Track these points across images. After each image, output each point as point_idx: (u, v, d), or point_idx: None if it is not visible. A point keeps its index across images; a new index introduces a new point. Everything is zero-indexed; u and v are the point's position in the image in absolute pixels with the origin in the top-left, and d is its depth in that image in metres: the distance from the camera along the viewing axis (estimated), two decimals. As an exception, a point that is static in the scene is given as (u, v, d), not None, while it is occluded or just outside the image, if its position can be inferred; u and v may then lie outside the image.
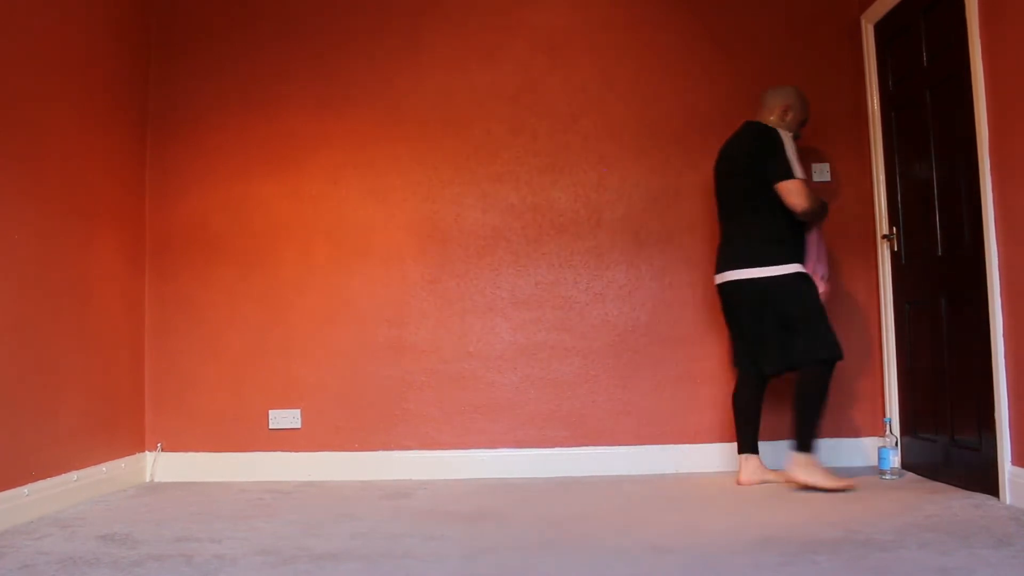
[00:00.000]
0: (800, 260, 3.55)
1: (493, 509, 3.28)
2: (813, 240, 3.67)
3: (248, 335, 4.16)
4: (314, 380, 4.12)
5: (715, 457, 4.04)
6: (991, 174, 3.18)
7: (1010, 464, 3.11)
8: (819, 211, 3.55)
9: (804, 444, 3.45)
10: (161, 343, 4.18)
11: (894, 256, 3.99)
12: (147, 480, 4.09)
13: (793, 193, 3.46)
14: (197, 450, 4.12)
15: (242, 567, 2.45)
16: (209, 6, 4.31)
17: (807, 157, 4.16)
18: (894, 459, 3.73)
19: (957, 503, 3.15)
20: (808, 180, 3.61)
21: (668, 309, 4.15)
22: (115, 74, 3.97)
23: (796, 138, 3.70)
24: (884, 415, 4.04)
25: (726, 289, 3.65)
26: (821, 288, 3.63)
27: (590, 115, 4.22)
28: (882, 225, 4.06)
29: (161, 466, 4.11)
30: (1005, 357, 3.14)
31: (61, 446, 3.43)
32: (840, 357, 3.50)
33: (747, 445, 3.67)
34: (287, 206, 4.20)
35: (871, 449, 3.99)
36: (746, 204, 3.60)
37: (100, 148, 3.81)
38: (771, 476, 3.66)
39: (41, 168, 3.35)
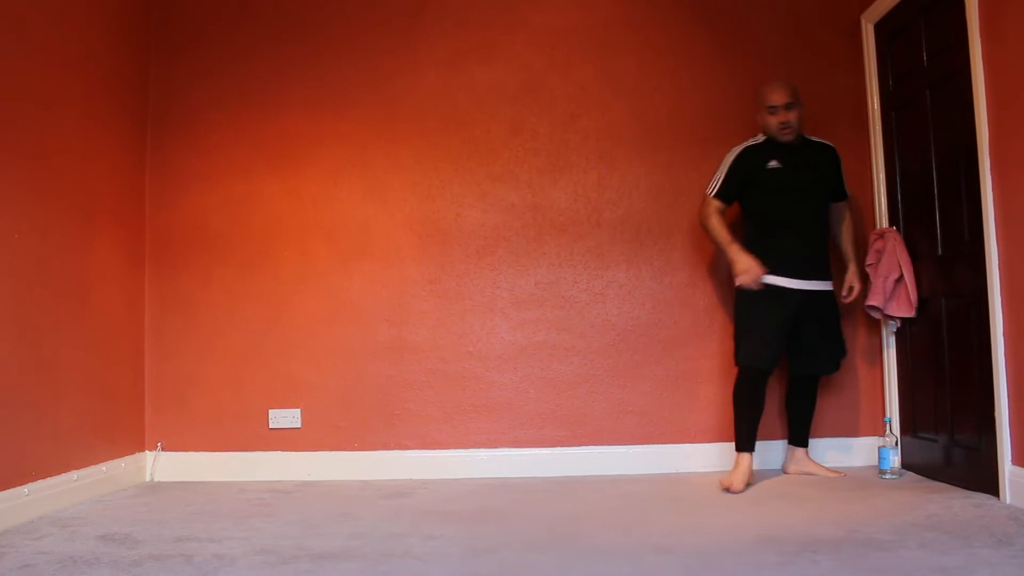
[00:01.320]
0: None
1: (493, 509, 3.28)
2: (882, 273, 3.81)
3: (248, 334, 4.16)
4: (314, 380, 4.12)
5: (715, 457, 4.03)
6: (991, 173, 3.18)
7: (1010, 464, 3.11)
8: (709, 231, 3.76)
9: (736, 444, 3.68)
10: (161, 342, 4.18)
11: (894, 256, 3.98)
12: (147, 480, 4.09)
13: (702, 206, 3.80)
14: (197, 449, 4.12)
15: (242, 567, 2.45)
16: (209, 6, 4.31)
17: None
18: (894, 459, 3.73)
19: (957, 503, 3.15)
20: (723, 198, 3.76)
21: (668, 309, 4.15)
22: (115, 73, 3.97)
23: (784, 127, 3.68)
24: (884, 414, 4.04)
25: None
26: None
27: (590, 114, 4.21)
28: (882, 224, 4.05)
29: (161, 465, 4.11)
30: (1005, 356, 3.14)
31: (61, 445, 3.43)
32: (747, 365, 3.68)
33: (790, 437, 3.94)
34: (287, 205, 4.20)
35: (871, 448, 3.99)
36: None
37: (100, 147, 3.81)
38: (813, 468, 3.86)
39: (41, 167, 3.35)
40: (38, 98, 3.34)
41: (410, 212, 4.19)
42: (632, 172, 4.19)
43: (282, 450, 4.09)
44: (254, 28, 4.28)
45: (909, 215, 3.89)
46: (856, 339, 4.13)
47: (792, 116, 3.67)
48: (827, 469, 3.84)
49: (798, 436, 3.89)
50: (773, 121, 3.69)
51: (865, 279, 3.90)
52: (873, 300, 3.81)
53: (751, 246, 3.65)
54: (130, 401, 4.02)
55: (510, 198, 4.19)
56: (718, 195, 3.73)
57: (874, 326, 4.12)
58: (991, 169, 3.18)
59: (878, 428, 4.04)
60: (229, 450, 4.10)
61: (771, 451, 3.99)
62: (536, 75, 4.24)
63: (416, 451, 4.07)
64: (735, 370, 4.10)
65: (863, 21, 4.16)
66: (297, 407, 4.11)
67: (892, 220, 4.00)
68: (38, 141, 3.33)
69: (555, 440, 4.07)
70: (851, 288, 3.82)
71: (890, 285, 3.77)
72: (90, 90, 3.74)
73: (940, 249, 3.63)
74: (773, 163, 3.68)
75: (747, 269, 3.60)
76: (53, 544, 2.75)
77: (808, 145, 3.80)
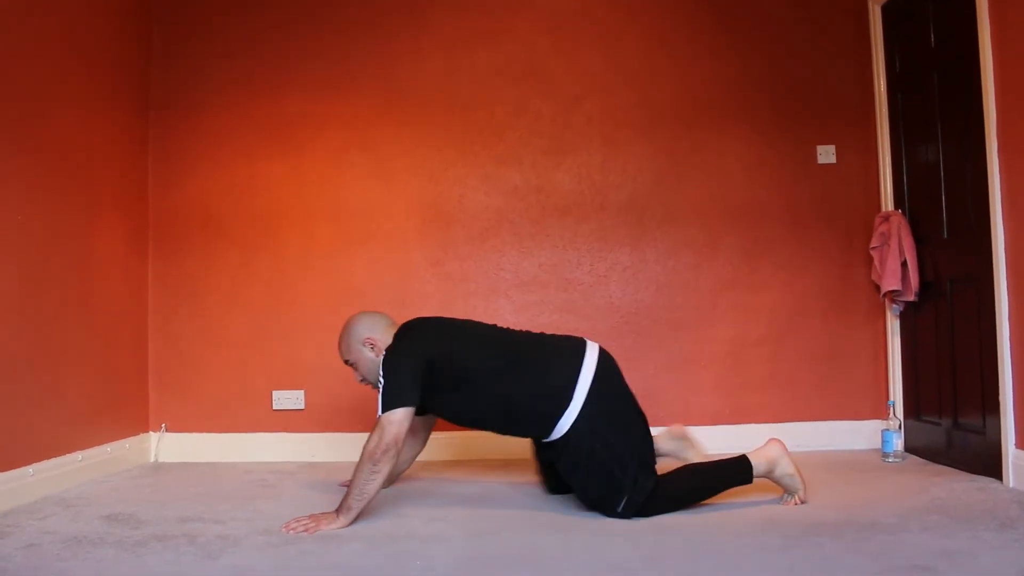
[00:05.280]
0: None
1: (496, 490, 3.29)
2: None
3: (251, 317, 4.16)
4: (317, 361, 4.12)
5: (718, 439, 4.03)
6: (998, 156, 3.16)
7: (1014, 447, 3.11)
8: None
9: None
10: (165, 325, 4.18)
11: (899, 239, 3.97)
12: (151, 460, 4.10)
13: None
14: (201, 431, 4.13)
15: (245, 547, 2.46)
16: (211, -14, 4.29)
17: (813, 139, 4.15)
18: (897, 442, 3.74)
19: (960, 486, 3.15)
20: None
21: (672, 291, 4.14)
22: (117, 58, 3.95)
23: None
24: (888, 398, 4.04)
25: None
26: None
27: (594, 97, 4.19)
28: (887, 207, 4.04)
29: (165, 446, 4.12)
30: (1010, 340, 3.13)
31: (65, 426, 3.44)
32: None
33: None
34: (290, 189, 4.19)
35: (875, 432, 3.99)
36: None
37: (103, 132, 3.80)
38: None
39: (44, 152, 3.33)
40: (41, 84, 3.32)
41: (413, 194, 4.18)
42: (636, 155, 4.17)
43: (285, 431, 4.10)
44: (257, 12, 4.25)
45: (915, 197, 3.87)
46: (859, 322, 4.13)
47: (357, 374, 3.11)
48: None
49: None
50: None
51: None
52: (891, 285, 3.79)
53: None
54: (134, 383, 4.03)
55: (513, 180, 4.18)
56: None
57: (877, 309, 4.11)
58: (998, 152, 3.16)
59: (881, 411, 4.04)
60: (233, 431, 4.11)
61: (759, 434, 3.99)
62: (540, 57, 4.21)
63: (419, 433, 4.07)
64: (737, 353, 4.11)
65: (870, 3, 4.13)
66: (301, 389, 4.11)
67: (897, 202, 3.98)
68: (41, 127, 3.31)
69: (558, 422, 4.07)
70: None
71: (900, 268, 3.77)
72: (93, 75, 3.72)
73: (946, 232, 3.61)
74: None
75: None
76: (58, 524, 2.76)
77: None
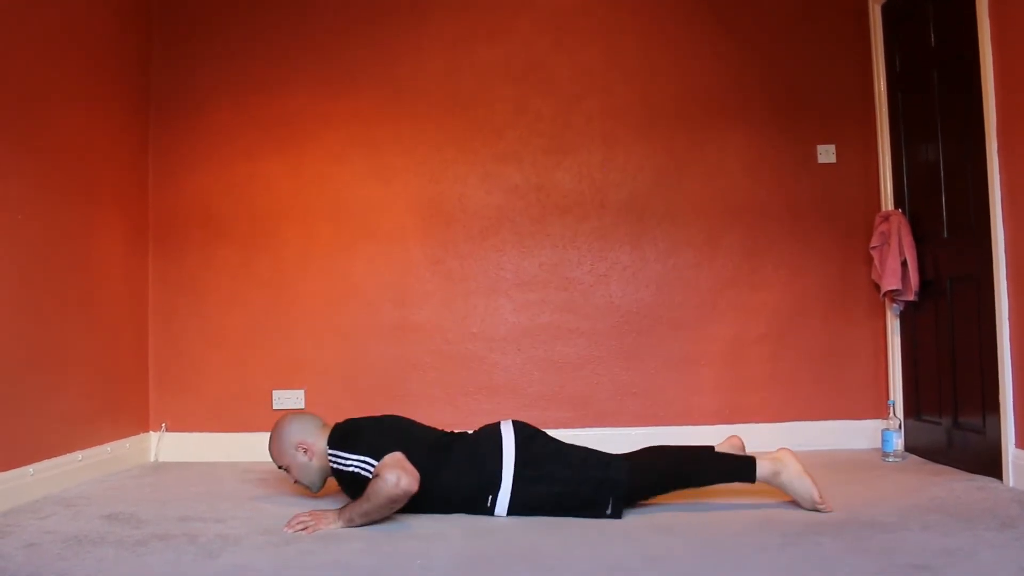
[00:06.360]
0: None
1: (496, 490, 3.29)
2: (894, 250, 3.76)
3: (251, 315, 4.16)
4: (317, 360, 4.12)
5: (718, 438, 4.02)
6: (998, 155, 3.16)
7: (1014, 447, 3.11)
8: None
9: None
10: (165, 324, 4.18)
11: (899, 238, 3.97)
12: (151, 460, 4.10)
13: None
14: (201, 430, 4.13)
15: (245, 547, 2.46)
16: (211, -15, 4.28)
17: (813, 138, 4.15)
18: (897, 441, 3.74)
19: (960, 485, 3.15)
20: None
21: (672, 290, 4.14)
22: (118, 57, 3.94)
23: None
24: (888, 397, 4.04)
25: None
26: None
27: (595, 95, 4.19)
28: (887, 206, 4.04)
29: (165, 446, 4.12)
30: (1010, 339, 3.13)
31: (66, 426, 3.44)
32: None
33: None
34: (290, 187, 4.19)
35: (875, 431, 3.99)
36: None
37: (103, 131, 3.80)
38: None
39: (44, 151, 3.33)
40: (42, 82, 3.31)
41: (413, 193, 4.18)
42: (636, 153, 4.17)
43: (286, 431, 4.10)
44: (258, 12, 4.25)
45: (915, 197, 3.87)
46: (859, 321, 4.13)
47: (290, 476, 3.03)
48: None
49: None
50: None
51: None
52: (891, 284, 3.80)
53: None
54: (134, 382, 4.03)
55: (514, 179, 4.18)
56: None
57: (878, 309, 4.11)
58: (998, 151, 3.16)
59: (882, 411, 4.04)
60: (233, 431, 4.11)
61: (759, 433, 3.99)
62: (541, 56, 4.21)
63: (419, 432, 4.07)
64: (737, 352, 4.11)
65: (870, 2, 4.13)
66: (301, 388, 4.11)
67: (898, 202, 3.98)
68: (42, 125, 3.31)
69: (559, 422, 4.07)
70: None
71: (900, 267, 3.77)
72: (93, 74, 3.72)
73: (946, 231, 3.61)
74: None
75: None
76: (58, 523, 2.76)
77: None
